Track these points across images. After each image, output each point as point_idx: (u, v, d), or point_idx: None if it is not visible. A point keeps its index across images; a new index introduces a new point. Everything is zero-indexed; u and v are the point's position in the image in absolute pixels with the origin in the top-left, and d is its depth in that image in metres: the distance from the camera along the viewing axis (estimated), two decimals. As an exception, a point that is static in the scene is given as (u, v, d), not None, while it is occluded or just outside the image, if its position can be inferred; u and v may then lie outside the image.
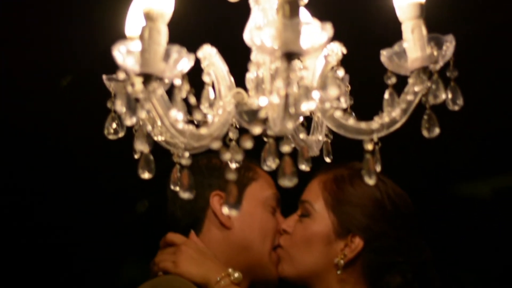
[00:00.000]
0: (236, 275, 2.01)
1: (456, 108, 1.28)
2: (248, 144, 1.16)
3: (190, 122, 1.30)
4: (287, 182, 1.17)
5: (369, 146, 1.23)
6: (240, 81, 1.34)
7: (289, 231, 2.13)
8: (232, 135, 1.31)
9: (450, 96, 1.27)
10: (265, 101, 1.18)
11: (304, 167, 1.28)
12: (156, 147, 1.33)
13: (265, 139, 1.24)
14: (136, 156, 1.33)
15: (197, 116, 1.26)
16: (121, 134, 1.40)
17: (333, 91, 1.19)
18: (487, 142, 4.57)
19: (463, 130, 4.32)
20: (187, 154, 1.27)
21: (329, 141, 1.47)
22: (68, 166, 4.39)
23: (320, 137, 1.44)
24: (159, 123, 1.30)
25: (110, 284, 4.64)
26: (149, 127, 1.31)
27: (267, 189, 2.16)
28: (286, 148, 1.18)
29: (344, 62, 1.37)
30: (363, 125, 1.25)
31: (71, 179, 4.53)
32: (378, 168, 1.29)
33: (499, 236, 5.36)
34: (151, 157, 1.30)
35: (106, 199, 4.75)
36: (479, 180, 5.33)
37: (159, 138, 1.34)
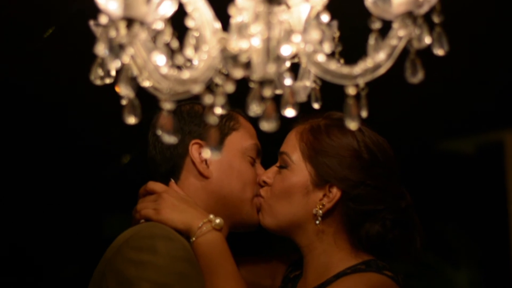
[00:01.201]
0: (218, 221, 2.02)
1: (441, 53, 1.28)
2: (230, 87, 1.16)
3: (176, 67, 1.30)
4: (267, 126, 1.18)
5: (351, 91, 1.23)
6: (225, 27, 1.34)
7: (269, 182, 2.14)
8: (218, 80, 1.30)
9: (435, 41, 1.27)
10: (247, 45, 1.18)
11: (288, 112, 1.28)
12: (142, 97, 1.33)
13: (251, 85, 1.24)
14: (123, 102, 1.32)
15: (180, 61, 1.26)
16: (108, 81, 1.38)
17: (314, 35, 1.19)
18: (471, 99, 4.60)
19: (447, 86, 4.34)
20: (171, 98, 1.27)
21: (318, 87, 1.46)
22: (51, 119, 4.38)
23: (308, 83, 1.44)
24: (144, 68, 1.30)
25: (94, 238, 4.66)
26: (136, 71, 1.30)
27: (248, 140, 2.17)
28: (268, 92, 1.19)
29: (331, 8, 1.37)
30: (345, 69, 1.25)
31: (54, 132, 4.52)
32: (364, 114, 1.29)
33: (482, 191, 5.43)
34: (137, 102, 1.29)
35: (89, 153, 4.75)
36: (463, 137, 5.38)
37: (146, 84, 1.33)
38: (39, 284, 5.07)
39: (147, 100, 1.38)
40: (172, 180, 2.13)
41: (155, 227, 1.99)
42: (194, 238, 2.00)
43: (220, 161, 2.12)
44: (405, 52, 1.30)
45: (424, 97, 4.41)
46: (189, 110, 2.15)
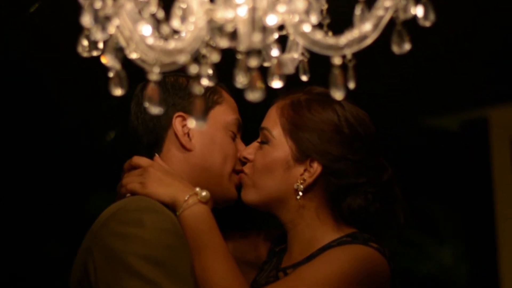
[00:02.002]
0: (204, 193, 2.03)
1: (427, 24, 1.28)
2: (215, 57, 1.17)
3: (162, 38, 1.30)
4: (252, 96, 1.18)
5: (337, 61, 1.24)
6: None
7: (250, 158, 2.15)
8: (205, 51, 1.30)
9: (421, 11, 1.27)
10: (232, 15, 1.18)
11: (275, 83, 1.29)
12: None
13: (238, 56, 1.25)
14: (110, 74, 1.32)
15: (166, 31, 1.26)
16: (95, 53, 1.38)
17: (299, 4, 1.19)
18: (456, 75, 4.62)
19: (431, 63, 4.35)
20: (157, 69, 1.27)
21: (306, 59, 1.47)
22: (37, 95, 4.36)
23: (296, 55, 1.44)
24: (130, 40, 1.30)
25: (79, 215, 4.66)
26: (123, 43, 1.30)
27: (230, 114, 2.17)
28: (253, 63, 1.20)
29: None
30: (331, 40, 1.26)
31: (37, 110, 4.50)
32: (352, 85, 1.30)
33: (467, 167, 5.46)
34: (124, 74, 1.29)
35: (73, 131, 4.74)
36: (447, 113, 5.41)
37: (133, 56, 1.33)
38: (25, 260, 5.07)
39: (131, 74, 1.38)
40: (157, 155, 2.13)
41: (142, 201, 1.99)
42: (180, 211, 2.00)
43: (202, 134, 2.13)
44: (391, 24, 1.30)
45: (408, 74, 4.43)
46: (174, 82, 2.15)
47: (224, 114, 2.17)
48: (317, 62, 1.47)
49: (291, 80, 1.41)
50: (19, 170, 4.96)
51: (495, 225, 5.29)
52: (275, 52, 1.28)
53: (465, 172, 5.50)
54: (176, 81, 2.15)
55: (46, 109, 4.58)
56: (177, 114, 2.12)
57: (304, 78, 1.45)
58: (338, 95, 1.26)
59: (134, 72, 1.40)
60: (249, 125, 2.23)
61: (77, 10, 1.36)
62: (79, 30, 1.36)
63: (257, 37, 1.22)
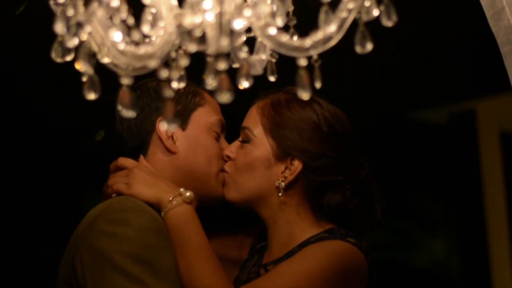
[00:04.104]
0: (188, 194, 2.07)
1: (390, 24, 1.32)
2: (184, 61, 1.20)
3: (133, 44, 1.33)
4: (223, 98, 1.22)
5: (302, 62, 1.28)
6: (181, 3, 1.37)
7: (232, 156, 2.19)
8: (175, 55, 1.34)
9: (383, 12, 1.31)
10: (200, 20, 1.22)
11: (243, 84, 1.32)
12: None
13: (207, 59, 1.29)
14: (83, 79, 1.35)
15: (137, 37, 1.30)
16: (68, 58, 1.41)
17: (264, 8, 1.23)
18: (443, 68, 4.64)
19: (419, 57, 4.38)
20: (129, 74, 1.31)
21: (274, 60, 1.50)
22: (29, 95, 4.37)
23: (264, 56, 1.48)
24: (102, 46, 1.33)
25: (72, 216, 4.68)
26: (95, 48, 1.34)
27: (213, 115, 2.21)
28: (222, 65, 1.24)
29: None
30: (297, 42, 1.29)
31: (32, 110, 4.51)
32: (318, 85, 1.34)
33: (455, 159, 5.49)
34: (96, 78, 1.33)
35: (63, 132, 4.75)
36: (435, 106, 5.44)
37: (105, 61, 1.36)
38: (19, 261, 5.09)
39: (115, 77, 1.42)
40: (142, 156, 2.17)
41: (127, 200, 2.03)
42: (165, 211, 2.05)
43: (186, 137, 2.16)
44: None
45: (394, 68, 4.46)
46: (156, 87, 2.18)
47: (207, 115, 2.20)
48: (285, 62, 1.51)
49: (259, 81, 1.45)
50: (13, 172, 4.98)
51: (485, 217, 5.33)
52: (243, 54, 1.32)
53: (454, 164, 5.53)
54: (158, 86, 2.18)
55: (38, 110, 4.60)
56: (160, 118, 2.14)
57: (271, 78, 1.49)
58: (304, 95, 1.30)
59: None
60: (233, 124, 2.27)
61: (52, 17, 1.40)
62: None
63: (224, 41, 1.26)
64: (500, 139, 5.32)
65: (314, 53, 1.32)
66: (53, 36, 1.40)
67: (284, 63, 1.54)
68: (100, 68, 1.35)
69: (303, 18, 1.51)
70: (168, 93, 1.25)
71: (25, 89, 4.34)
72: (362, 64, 3.75)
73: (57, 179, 5.10)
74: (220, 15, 1.21)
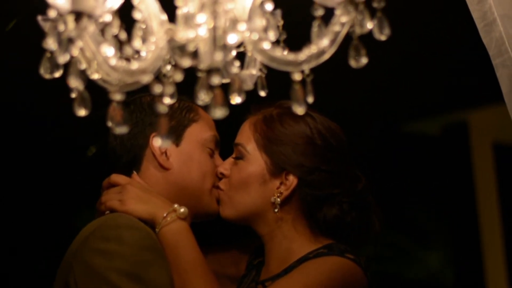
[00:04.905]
0: (182, 210, 2.05)
1: (383, 38, 1.31)
2: (178, 77, 1.19)
3: (124, 59, 1.32)
4: (217, 113, 1.21)
5: (297, 77, 1.27)
6: (172, 18, 1.36)
7: (226, 173, 2.17)
8: (166, 70, 1.33)
9: (376, 26, 1.30)
10: (193, 34, 1.21)
11: (236, 99, 1.31)
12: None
13: (198, 74, 1.27)
14: (73, 95, 1.34)
15: (129, 52, 1.28)
16: (57, 74, 1.40)
17: (258, 22, 1.22)
18: (435, 80, 4.65)
19: (412, 69, 4.38)
20: (120, 90, 1.29)
21: (263, 75, 1.49)
22: (22, 109, 4.35)
23: (254, 71, 1.47)
24: (92, 61, 1.32)
25: (64, 233, 4.65)
26: (84, 65, 1.32)
27: (207, 131, 2.19)
28: (216, 80, 1.22)
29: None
30: (290, 56, 1.28)
31: (24, 129, 4.50)
32: (311, 99, 1.32)
33: (449, 171, 5.49)
34: (87, 94, 1.31)
35: (55, 147, 4.73)
36: (427, 118, 5.44)
37: (95, 77, 1.35)
38: (12, 277, 5.06)
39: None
40: (135, 172, 2.15)
41: (121, 217, 2.01)
42: (159, 228, 2.03)
43: (180, 153, 2.14)
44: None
45: (387, 80, 4.46)
46: (150, 102, 2.16)
47: (201, 131, 2.18)
48: (273, 77, 1.50)
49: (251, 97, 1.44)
50: (6, 189, 4.96)
51: (479, 228, 5.32)
52: (235, 69, 1.31)
53: (448, 176, 5.53)
54: (152, 101, 2.15)
55: (32, 124, 4.59)
56: (154, 133, 2.12)
57: (262, 93, 1.48)
58: (299, 110, 1.29)
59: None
60: (226, 140, 2.26)
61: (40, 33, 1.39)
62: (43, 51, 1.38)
63: (218, 56, 1.25)
64: (493, 150, 5.32)
65: (307, 68, 1.31)
66: (41, 52, 1.39)
67: (273, 78, 1.53)
68: (90, 83, 1.34)
69: (292, 32, 1.50)
70: (162, 109, 1.23)
71: (20, 104, 4.32)
72: (354, 77, 3.74)
73: (50, 195, 5.07)
74: (214, 29, 1.20)
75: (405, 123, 5.59)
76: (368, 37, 1.33)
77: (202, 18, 1.22)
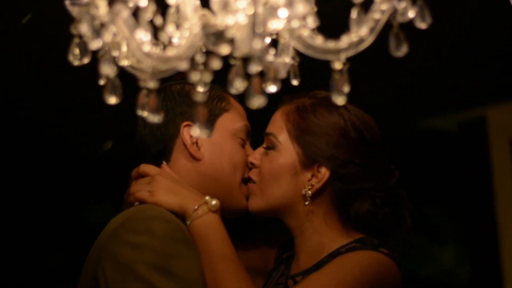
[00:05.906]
0: (214, 202, 2.00)
1: (424, 26, 1.28)
2: (216, 64, 1.16)
3: (157, 45, 1.28)
4: (255, 102, 1.17)
5: (337, 66, 1.23)
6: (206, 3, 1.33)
7: (256, 163, 2.12)
8: (200, 58, 1.29)
9: (417, 14, 1.26)
10: (232, 21, 1.17)
11: (271, 88, 1.27)
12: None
13: (232, 61, 1.23)
14: (101, 82, 1.30)
15: (165, 38, 1.25)
16: (85, 60, 1.36)
17: (300, 8, 1.18)
18: (453, 75, 4.61)
19: (427, 64, 4.34)
20: (152, 77, 1.26)
21: (296, 63, 1.45)
22: (31, 106, 4.35)
23: (287, 60, 1.42)
24: (124, 47, 1.29)
25: (74, 227, 4.65)
26: (115, 52, 1.29)
27: (239, 121, 2.14)
28: (254, 68, 1.19)
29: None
30: (331, 44, 1.24)
31: (32, 122, 4.49)
32: (347, 89, 1.28)
33: (466, 167, 5.44)
34: (118, 82, 1.28)
35: (70, 142, 4.72)
36: (444, 114, 5.39)
37: (125, 63, 1.31)
38: (25, 272, 5.06)
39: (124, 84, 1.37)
40: (165, 163, 2.10)
41: (151, 209, 1.96)
42: (190, 220, 1.98)
43: (211, 143, 2.10)
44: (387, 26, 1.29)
45: (404, 75, 4.42)
46: (180, 90, 2.12)
47: (232, 121, 2.13)
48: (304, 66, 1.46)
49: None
50: (14, 184, 4.95)
51: (496, 226, 5.27)
52: (270, 56, 1.27)
53: (465, 173, 5.48)
54: (183, 89, 2.11)
55: (41, 122, 4.57)
56: (185, 123, 2.08)
57: (294, 82, 1.44)
58: (339, 100, 1.25)
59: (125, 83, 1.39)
60: (255, 130, 2.21)
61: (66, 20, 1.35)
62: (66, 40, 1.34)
63: (257, 44, 1.21)
64: (511, 146, 5.26)
65: (344, 57, 1.27)
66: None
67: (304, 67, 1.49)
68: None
69: (328, 20, 1.47)
70: (200, 97, 1.19)
71: (27, 100, 4.31)
72: (368, 74, 3.71)
73: (59, 191, 5.06)
74: (253, 15, 1.16)
75: (421, 119, 5.54)
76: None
77: (242, 3, 1.18)
